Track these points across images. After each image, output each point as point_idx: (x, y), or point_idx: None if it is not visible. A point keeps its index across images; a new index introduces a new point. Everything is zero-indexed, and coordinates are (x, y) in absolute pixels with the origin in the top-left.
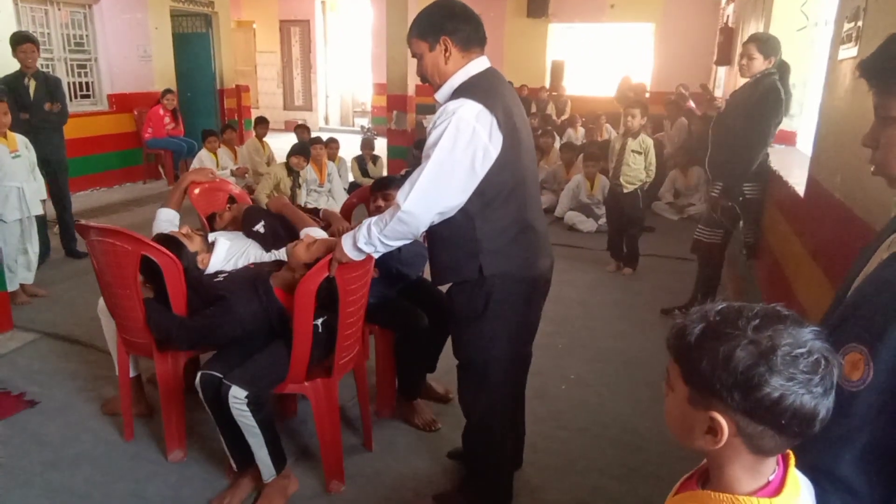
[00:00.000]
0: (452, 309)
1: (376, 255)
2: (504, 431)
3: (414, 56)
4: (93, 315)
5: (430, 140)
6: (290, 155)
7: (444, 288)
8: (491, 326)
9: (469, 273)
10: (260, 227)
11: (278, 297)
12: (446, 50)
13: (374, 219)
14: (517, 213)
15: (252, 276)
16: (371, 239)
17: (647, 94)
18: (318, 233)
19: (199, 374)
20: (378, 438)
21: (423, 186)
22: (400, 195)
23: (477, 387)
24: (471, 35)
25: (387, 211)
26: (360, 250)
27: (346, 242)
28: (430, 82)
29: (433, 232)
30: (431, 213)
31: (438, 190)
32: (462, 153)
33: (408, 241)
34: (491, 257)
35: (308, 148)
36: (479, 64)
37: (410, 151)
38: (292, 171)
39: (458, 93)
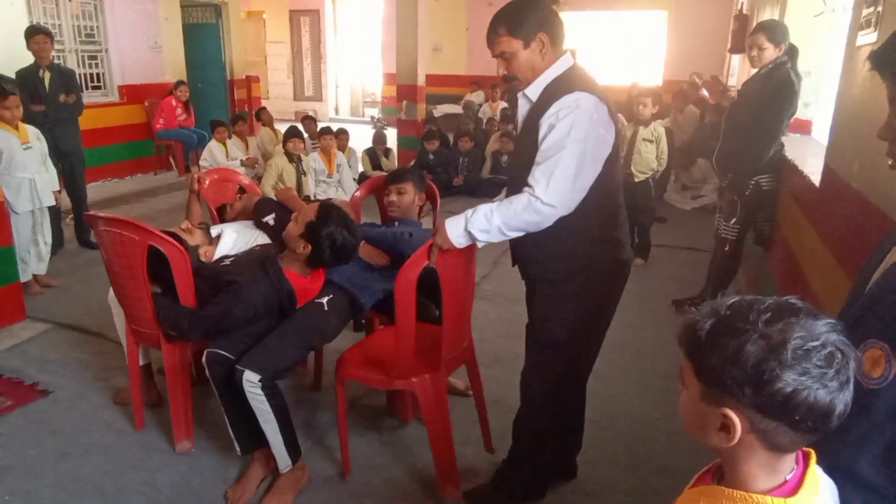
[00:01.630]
0: (543, 290)
1: (482, 244)
2: (555, 420)
3: (498, 55)
4: (105, 305)
5: (560, 132)
6: (285, 141)
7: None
8: (583, 308)
9: (580, 263)
10: (270, 219)
11: (288, 278)
12: (543, 46)
13: (494, 205)
14: (614, 200)
15: (260, 258)
16: (490, 226)
17: (656, 109)
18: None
19: (205, 353)
20: (388, 431)
21: (566, 178)
22: (537, 186)
23: (549, 367)
24: (560, 31)
25: (513, 199)
26: (469, 235)
27: (452, 229)
28: (516, 79)
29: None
30: (571, 204)
31: (578, 181)
32: (591, 143)
33: (527, 233)
34: (600, 246)
35: (299, 130)
36: (567, 59)
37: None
38: (293, 158)
39: (561, 86)
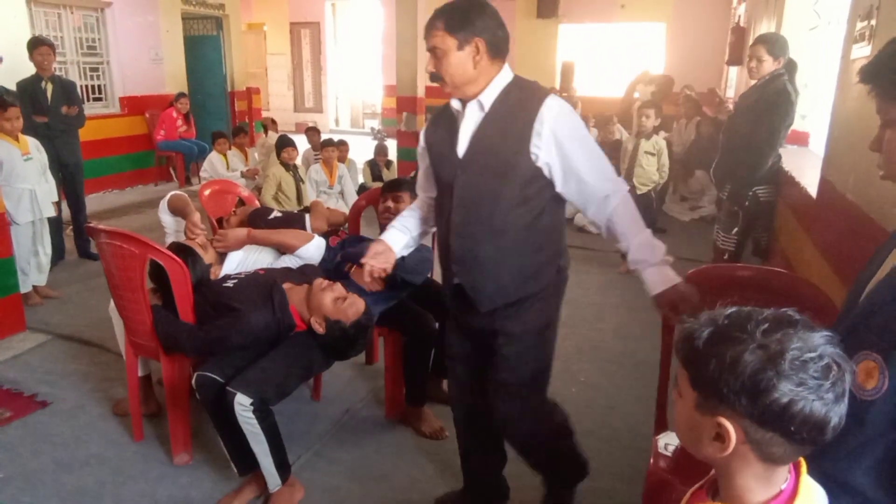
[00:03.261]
0: (520, 326)
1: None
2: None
3: (431, 50)
4: (105, 316)
5: (572, 128)
6: (279, 152)
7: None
8: (555, 327)
9: (549, 277)
10: (275, 214)
11: (293, 314)
12: (477, 53)
13: (641, 234)
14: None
15: (266, 287)
16: (654, 242)
17: (658, 121)
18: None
19: (195, 376)
20: (387, 441)
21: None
22: (607, 184)
23: (540, 401)
24: (503, 42)
25: (624, 211)
26: (666, 264)
27: (658, 274)
28: (441, 81)
29: (512, 243)
30: None
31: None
32: None
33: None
34: (565, 252)
35: (292, 140)
36: (509, 72)
37: None
38: (289, 167)
39: (526, 93)
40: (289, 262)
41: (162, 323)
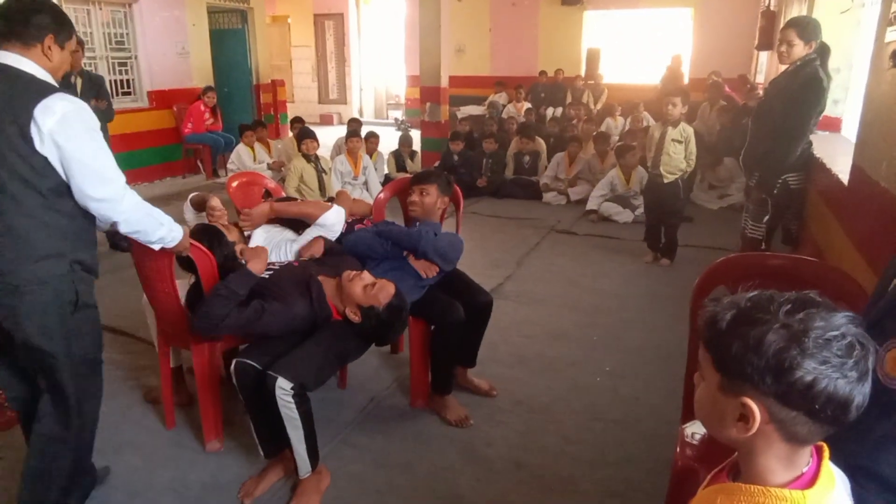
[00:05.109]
0: None
1: None
2: None
3: None
4: (136, 307)
5: None
6: (298, 144)
7: None
8: None
9: None
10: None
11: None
12: (50, 49)
13: None
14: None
15: (303, 278)
16: None
17: (685, 109)
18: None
19: (234, 362)
20: (411, 429)
21: None
22: None
23: None
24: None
25: None
26: None
27: None
28: None
29: None
30: None
31: None
32: None
33: None
34: None
35: (311, 130)
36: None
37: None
38: (310, 158)
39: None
40: (315, 233)
41: (208, 304)
